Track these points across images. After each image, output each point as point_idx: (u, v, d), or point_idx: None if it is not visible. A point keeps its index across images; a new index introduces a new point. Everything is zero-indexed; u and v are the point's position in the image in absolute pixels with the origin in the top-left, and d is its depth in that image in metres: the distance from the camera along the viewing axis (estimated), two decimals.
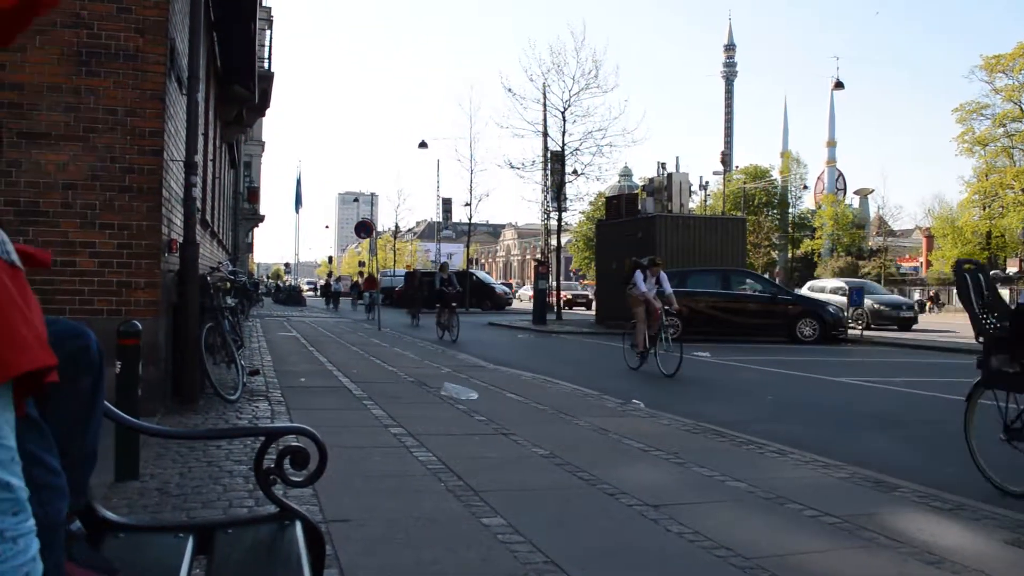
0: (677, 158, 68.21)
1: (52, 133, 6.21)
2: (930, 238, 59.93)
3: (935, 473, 5.45)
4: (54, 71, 6.20)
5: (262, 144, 43.06)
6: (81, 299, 6.20)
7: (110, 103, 6.36)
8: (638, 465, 5.29)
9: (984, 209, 50.31)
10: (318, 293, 60.62)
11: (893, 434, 7.33)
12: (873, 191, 65.05)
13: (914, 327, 25.71)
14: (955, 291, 7.34)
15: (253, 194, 37.85)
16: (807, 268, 65.15)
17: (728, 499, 4.48)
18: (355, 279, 50.39)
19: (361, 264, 52.63)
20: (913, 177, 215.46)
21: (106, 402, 1.87)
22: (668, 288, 12.25)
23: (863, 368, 13.16)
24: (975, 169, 51.00)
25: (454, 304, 18.45)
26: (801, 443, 6.17)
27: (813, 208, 71.14)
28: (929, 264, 58.64)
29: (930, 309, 46.17)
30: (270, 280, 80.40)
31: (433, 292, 20.02)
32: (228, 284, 9.41)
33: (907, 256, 70.73)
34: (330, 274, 59.90)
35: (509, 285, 62.94)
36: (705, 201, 65.42)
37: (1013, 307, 5.00)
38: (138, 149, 6.42)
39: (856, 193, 68.33)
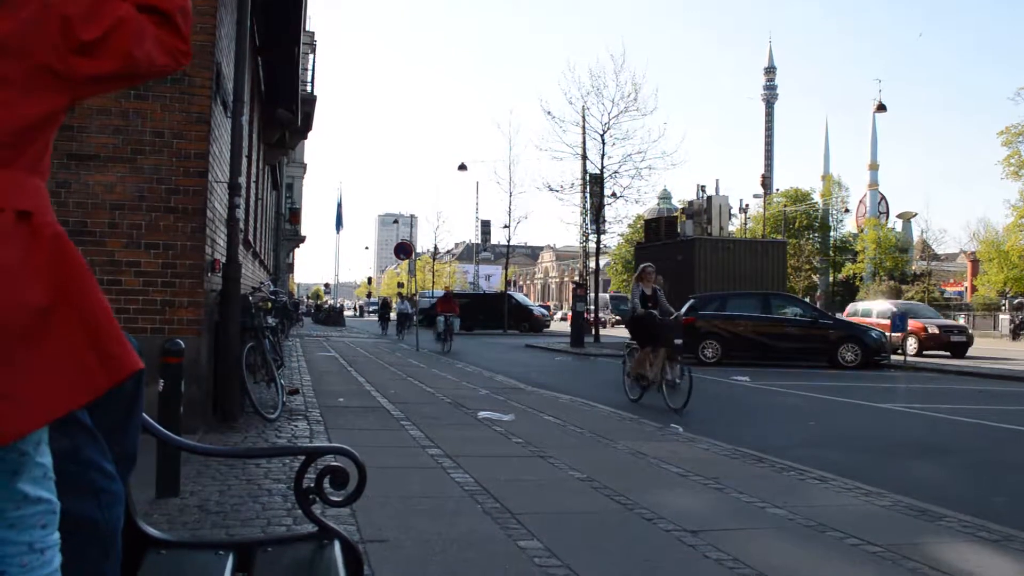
0: (717, 181, 68.14)
1: (100, 155, 6.35)
2: (975, 262, 58.81)
3: (982, 503, 5.32)
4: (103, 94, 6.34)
5: (304, 166, 43.59)
6: (126, 317, 6.31)
7: (157, 126, 6.49)
8: (676, 490, 5.24)
9: None
10: (378, 316, 39.86)
11: (938, 462, 7.19)
12: (916, 214, 64.13)
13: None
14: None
15: (294, 215, 38.27)
16: (849, 292, 64.23)
17: (768, 526, 4.41)
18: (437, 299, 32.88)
19: (400, 285, 52.66)
20: (957, 200, 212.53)
21: (149, 419, 1.90)
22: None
23: (906, 394, 12.93)
24: (1021, 193, 49.94)
25: (678, 341, 10.09)
26: (843, 470, 6.07)
27: (855, 231, 70.25)
28: (974, 289, 57.54)
29: (1016, 333, 43.11)
30: (310, 300, 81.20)
31: (636, 320, 10.55)
32: (269, 304, 9.51)
33: (951, 281, 69.50)
34: (369, 294, 55.96)
35: (547, 307, 62.86)
36: (745, 224, 64.98)
37: None
38: (183, 171, 6.55)
39: (899, 216, 67.40)
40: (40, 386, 1.27)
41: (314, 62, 24.51)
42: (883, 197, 70.89)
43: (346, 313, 57.67)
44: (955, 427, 9.40)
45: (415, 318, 25.92)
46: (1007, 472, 6.82)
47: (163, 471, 4.48)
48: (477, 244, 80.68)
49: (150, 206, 6.45)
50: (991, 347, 30.06)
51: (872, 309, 25.76)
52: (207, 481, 4.96)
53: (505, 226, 41.10)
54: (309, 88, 22.00)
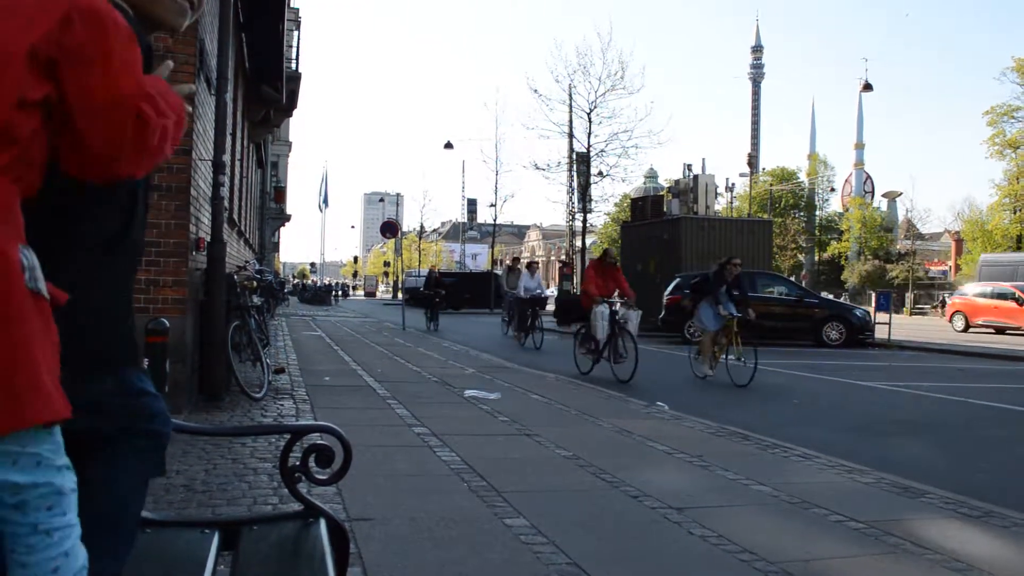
0: (703, 160, 68.10)
1: None
2: (959, 242, 59.19)
3: (963, 479, 5.38)
4: None
5: (289, 144, 43.23)
6: None
7: None
8: (662, 468, 5.27)
9: (1015, 212, 49.55)
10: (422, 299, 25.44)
11: (920, 439, 7.26)
12: (901, 194, 64.31)
13: None
14: None
15: (280, 194, 38.02)
16: (834, 271, 64.59)
17: (752, 503, 4.45)
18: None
19: (386, 264, 52.47)
20: (942, 180, 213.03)
21: None
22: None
23: (890, 372, 13.02)
24: (1006, 172, 50.23)
25: None
26: (827, 447, 6.12)
27: (840, 211, 70.58)
28: (958, 268, 57.93)
29: None
30: (296, 279, 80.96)
31: None
32: (254, 283, 9.47)
33: (935, 260, 69.89)
34: (355, 273, 54.99)
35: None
36: (731, 203, 65.06)
37: None
38: None
39: (884, 196, 67.65)
40: None
41: (299, 39, 24.29)
42: (868, 176, 71.15)
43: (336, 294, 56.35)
44: (937, 405, 9.48)
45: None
46: (988, 449, 6.90)
47: None
48: (463, 223, 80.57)
49: None
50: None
51: None
52: (193, 460, 4.95)
53: (491, 205, 41.11)
54: (294, 65, 21.81)
